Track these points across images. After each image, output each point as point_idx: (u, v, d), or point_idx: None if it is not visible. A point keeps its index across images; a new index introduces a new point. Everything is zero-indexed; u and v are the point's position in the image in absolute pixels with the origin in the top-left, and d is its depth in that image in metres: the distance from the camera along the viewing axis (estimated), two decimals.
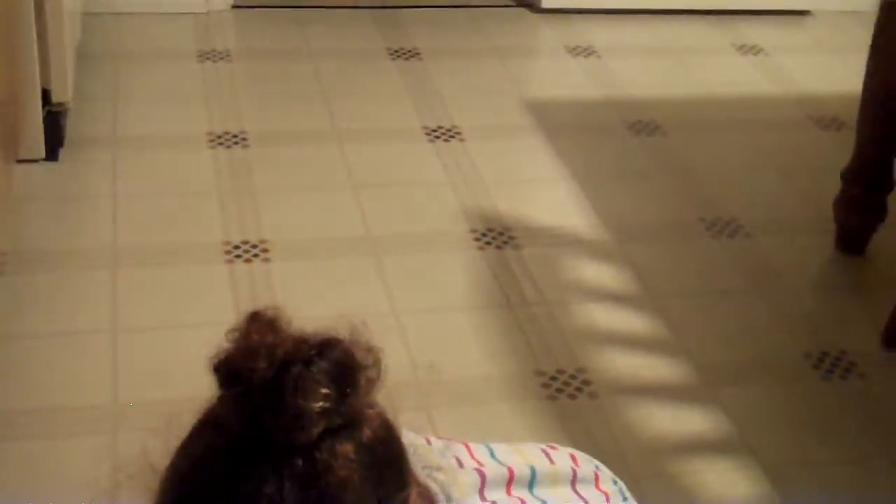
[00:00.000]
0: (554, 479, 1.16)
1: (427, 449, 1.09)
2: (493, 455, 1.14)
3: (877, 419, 2.32)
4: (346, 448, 0.87)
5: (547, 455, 1.19)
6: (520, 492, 1.12)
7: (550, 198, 2.98)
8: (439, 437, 1.15)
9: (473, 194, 2.92)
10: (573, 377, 2.31)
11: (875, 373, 2.46)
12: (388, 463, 0.91)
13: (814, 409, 2.34)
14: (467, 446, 1.14)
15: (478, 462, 1.11)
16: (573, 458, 1.21)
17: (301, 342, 0.90)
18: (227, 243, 2.64)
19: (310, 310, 2.54)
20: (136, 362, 2.26)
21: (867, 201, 2.78)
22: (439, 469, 1.06)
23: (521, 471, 1.13)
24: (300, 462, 0.85)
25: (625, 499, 1.20)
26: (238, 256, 2.60)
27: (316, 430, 0.85)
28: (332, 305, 2.40)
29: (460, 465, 1.09)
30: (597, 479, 1.20)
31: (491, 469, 1.11)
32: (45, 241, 2.61)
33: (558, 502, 1.12)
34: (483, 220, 2.82)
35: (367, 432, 0.89)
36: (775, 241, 2.87)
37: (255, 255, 2.61)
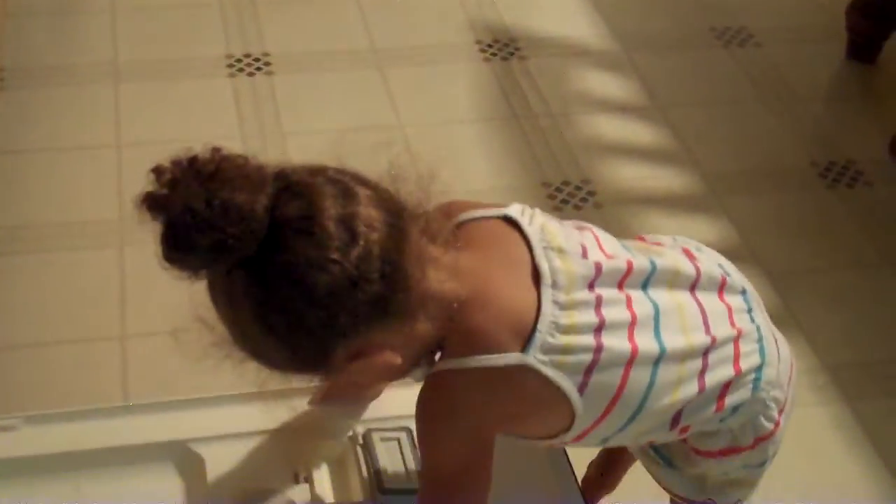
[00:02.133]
0: (673, 280, 1.09)
1: (554, 232, 1.06)
2: (623, 247, 1.11)
3: (882, 227, 2.33)
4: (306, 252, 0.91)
5: (687, 254, 1.14)
6: (632, 289, 1.06)
7: (558, 7, 2.91)
8: (575, 223, 1.12)
9: (479, 4, 2.86)
10: (578, 188, 2.31)
11: (881, 181, 2.45)
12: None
13: (819, 216, 2.35)
14: (597, 238, 1.10)
15: (604, 253, 1.07)
16: (708, 261, 1.17)
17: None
18: (230, 56, 2.61)
19: (313, 123, 2.54)
20: (142, 176, 2.25)
21: (881, 7, 2.71)
22: (560, 252, 1.04)
23: (641, 265, 1.07)
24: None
25: (749, 309, 1.14)
26: (241, 70, 2.57)
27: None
28: (336, 119, 2.39)
29: (584, 254, 1.06)
30: (723, 285, 1.13)
31: (610, 263, 1.06)
32: (45, 57, 2.58)
33: (669, 305, 1.07)
34: (489, 30, 2.77)
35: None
36: (786, 50, 2.82)
37: (258, 69, 2.57)
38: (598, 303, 1.03)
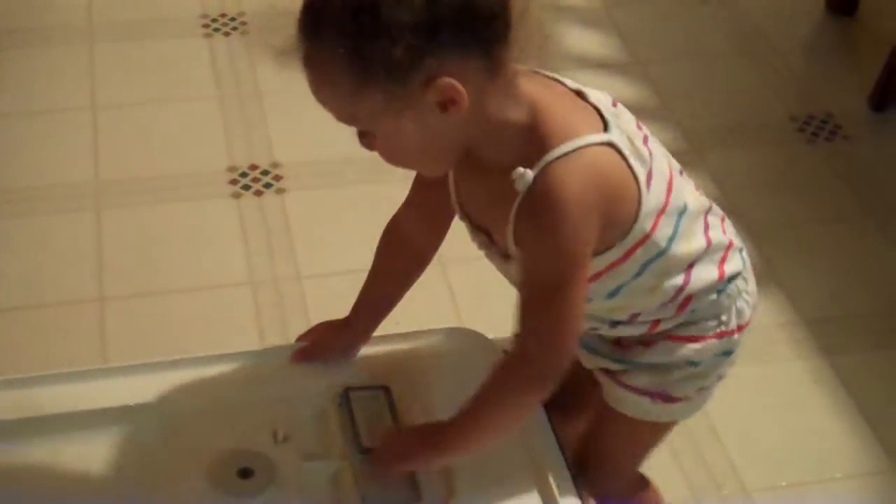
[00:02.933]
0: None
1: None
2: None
3: (861, 180, 2.33)
4: None
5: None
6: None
7: None
8: None
9: None
10: None
11: (860, 135, 2.45)
12: None
13: (799, 171, 2.35)
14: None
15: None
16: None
17: None
18: (205, 16, 2.59)
19: None
20: (118, 139, 2.24)
21: None
22: (617, 115, 1.11)
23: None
24: None
25: (741, 249, 1.23)
26: (217, 30, 2.55)
27: None
28: None
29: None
30: (723, 221, 1.23)
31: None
32: (16, 19, 2.55)
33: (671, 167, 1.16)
34: None
35: None
36: (765, 3, 2.81)
37: (234, 28, 2.55)
38: (636, 122, 1.15)
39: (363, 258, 1.30)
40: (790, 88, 2.58)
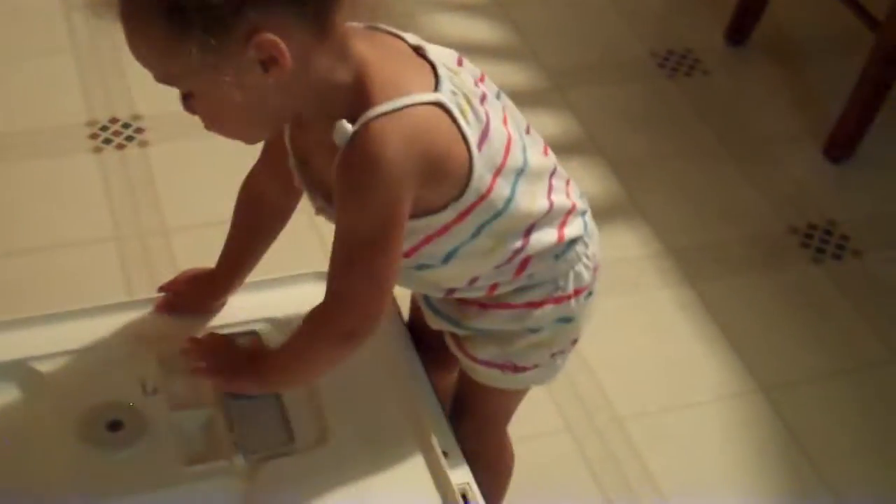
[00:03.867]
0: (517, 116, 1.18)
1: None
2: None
3: (719, 114, 2.39)
4: None
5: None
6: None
7: None
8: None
9: None
10: None
11: (718, 68, 2.51)
12: None
13: (658, 105, 2.40)
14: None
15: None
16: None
17: None
18: None
19: None
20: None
21: None
22: (455, 73, 1.08)
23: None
24: None
25: (584, 212, 1.22)
26: None
27: None
28: None
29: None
30: (568, 184, 1.21)
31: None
32: None
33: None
34: None
35: None
36: None
37: None
38: (477, 80, 1.11)
39: (230, 208, 1.29)
40: (649, 25, 2.62)
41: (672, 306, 1.97)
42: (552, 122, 2.27)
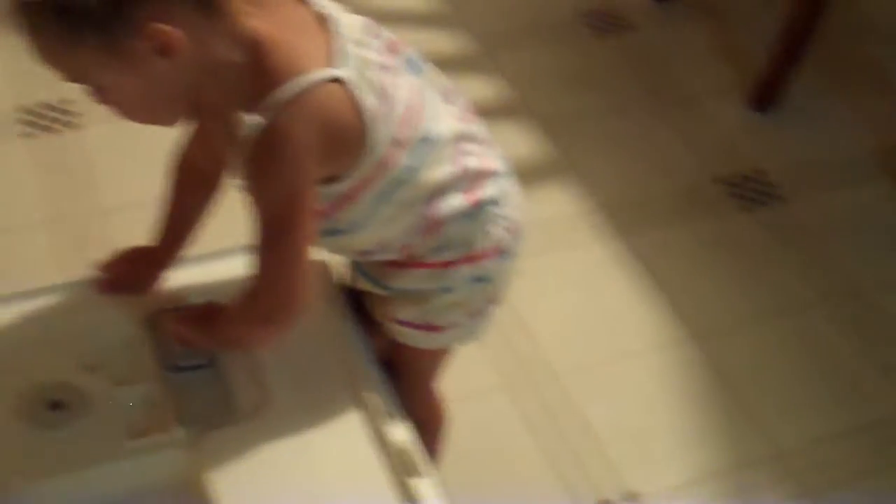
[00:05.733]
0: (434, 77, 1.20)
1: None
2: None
3: (648, 69, 2.43)
4: None
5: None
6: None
7: None
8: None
9: None
10: None
11: (645, 25, 2.55)
12: None
13: (587, 65, 2.43)
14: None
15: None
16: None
17: None
18: None
19: None
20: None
21: None
22: (360, 44, 1.10)
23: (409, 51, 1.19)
24: None
25: (501, 174, 1.24)
26: None
27: None
28: None
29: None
30: (486, 147, 1.24)
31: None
32: None
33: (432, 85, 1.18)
34: None
35: None
36: None
37: None
38: (387, 47, 1.14)
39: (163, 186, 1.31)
40: None
41: (606, 261, 2.01)
42: (484, 87, 2.30)
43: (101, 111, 1.09)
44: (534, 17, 2.54)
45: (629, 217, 2.09)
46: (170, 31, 0.99)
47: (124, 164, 2.04)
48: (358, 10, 1.15)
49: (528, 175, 1.28)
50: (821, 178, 2.21)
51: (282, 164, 1.05)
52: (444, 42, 2.40)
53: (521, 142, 2.18)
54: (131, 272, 1.30)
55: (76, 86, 1.06)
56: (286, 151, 1.04)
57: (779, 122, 2.32)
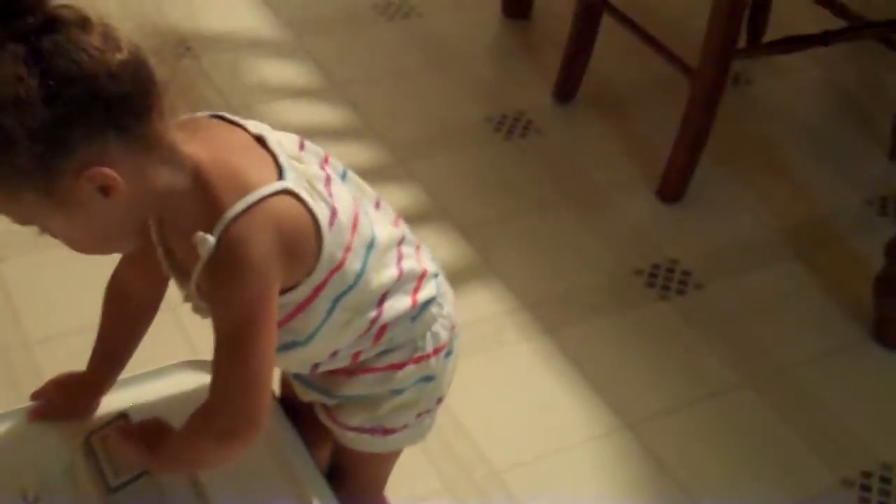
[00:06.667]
0: (360, 186, 1.24)
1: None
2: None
3: (556, 168, 2.49)
4: (79, 39, 0.97)
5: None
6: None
7: (223, 3, 2.93)
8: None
9: (143, 7, 2.83)
10: None
11: (551, 127, 2.62)
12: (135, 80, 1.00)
13: (499, 168, 2.49)
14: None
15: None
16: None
17: None
18: None
19: None
20: None
21: None
22: (298, 159, 1.13)
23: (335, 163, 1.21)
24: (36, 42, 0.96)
25: (436, 274, 1.28)
26: None
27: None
28: None
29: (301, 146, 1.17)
30: (418, 250, 1.27)
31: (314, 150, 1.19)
32: None
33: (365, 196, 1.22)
34: (158, 34, 2.75)
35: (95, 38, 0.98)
36: (446, 16, 2.96)
37: None
38: (322, 161, 1.18)
39: (95, 313, 1.31)
40: (481, 92, 2.73)
41: (534, 357, 2.04)
42: (400, 194, 2.34)
43: (19, 243, 1.10)
44: (443, 123, 2.60)
45: (552, 313, 2.13)
46: (106, 172, 1.00)
47: (48, 294, 2.02)
48: (274, 127, 1.17)
49: (451, 279, 1.31)
50: (733, 263, 2.28)
51: (241, 274, 1.06)
52: (358, 154, 2.45)
53: (439, 246, 2.21)
54: (66, 399, 1.29)
55: None
56: (244, 260, 1.05)
57: (687, 211, 2.40)
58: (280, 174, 1.09)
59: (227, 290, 1.07)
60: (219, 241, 1.04)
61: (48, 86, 0.95)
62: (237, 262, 1.05)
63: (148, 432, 1.18)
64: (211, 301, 1.09)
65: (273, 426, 1.30)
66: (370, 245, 1.17)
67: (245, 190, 1.05)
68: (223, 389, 1.10)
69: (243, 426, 1.10)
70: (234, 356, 1.09)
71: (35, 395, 1.30)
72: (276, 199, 1.07)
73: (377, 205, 1.24)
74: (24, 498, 1.18)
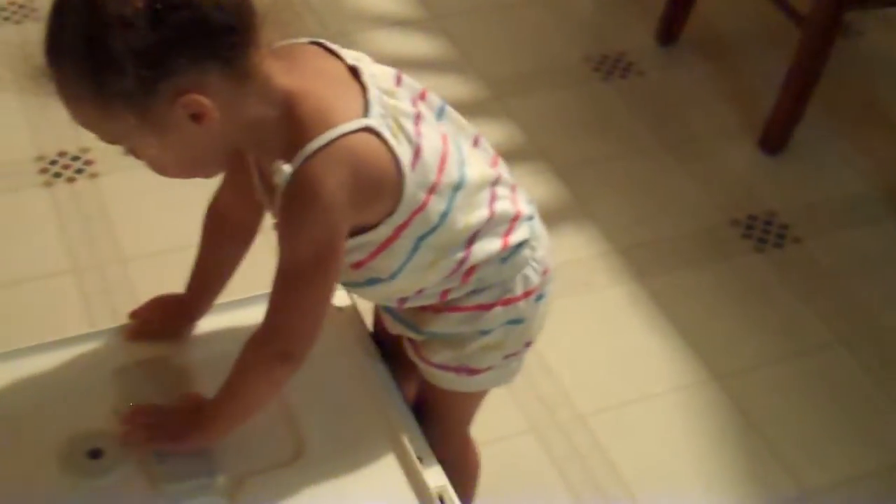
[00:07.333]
0: (458, 123, 1.20)
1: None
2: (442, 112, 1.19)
3: (655, 112, 2.45)
4: None
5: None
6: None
7: None
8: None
9: None
10: None
11: (652, 69, 2.57)
12: None
13: (597, 109, 2.45)
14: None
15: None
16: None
17: None
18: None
19: None
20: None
21: None
22: (391, 94, 1.12)
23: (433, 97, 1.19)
24: None
25: (530, 217, 1.25)
26: (6, 18, 2.48)
27: None
28: None
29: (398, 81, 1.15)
30: (514, 191, 1.24)
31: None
32: None
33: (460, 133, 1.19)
34: None
35: None
36: None
37: (25, 16, 2.49)
38: (416, 97, 1.15)
39: (187, 233, 1.31)
40: (582, 31, 2.68)
41: (623, 303, 2.02)
42: (495, 131, 2.32)
43: (119, 159, 1.11)
44: (542, 61, 2.56)
45: (644, 259, 2.10)
46: (201, 100, 1.01)
47: (143, 212, 2.05)
48: (373, 59, 1.16)
49: (544, 219, 1.29)
50: (833, 219, 2.23)
51: (311, 211, 1.06)
52: (454, 87, 2.42)
53: (534, 186, 2.19)
54: (163, 319, 1.30)
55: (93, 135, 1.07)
56: (316, 198, 1.05)
57: (789, 163, 2.34)
58: (366, 109, 1.08)
59: (295, 225, 1.07)
60: (295, 174, 1.05)
61: (155, 9, 0.96)
62: (308, 199, 1.05)
63: (181, 412, 1.18)
64: (279, 231, 1.10)
65: (364, 359, 1.31)
66: (457, 186, 1.15)
67: (327, 125, 1.05)
68: (282, 314, 1.11)
69: (298, 349, 1.11)
70: (294, 288, 1.09)
71: (133, 315, 1.31)
72: (355, 137, 1.06)
73: (476, 142, 1.22)
74: (119, 413, 1.20)
